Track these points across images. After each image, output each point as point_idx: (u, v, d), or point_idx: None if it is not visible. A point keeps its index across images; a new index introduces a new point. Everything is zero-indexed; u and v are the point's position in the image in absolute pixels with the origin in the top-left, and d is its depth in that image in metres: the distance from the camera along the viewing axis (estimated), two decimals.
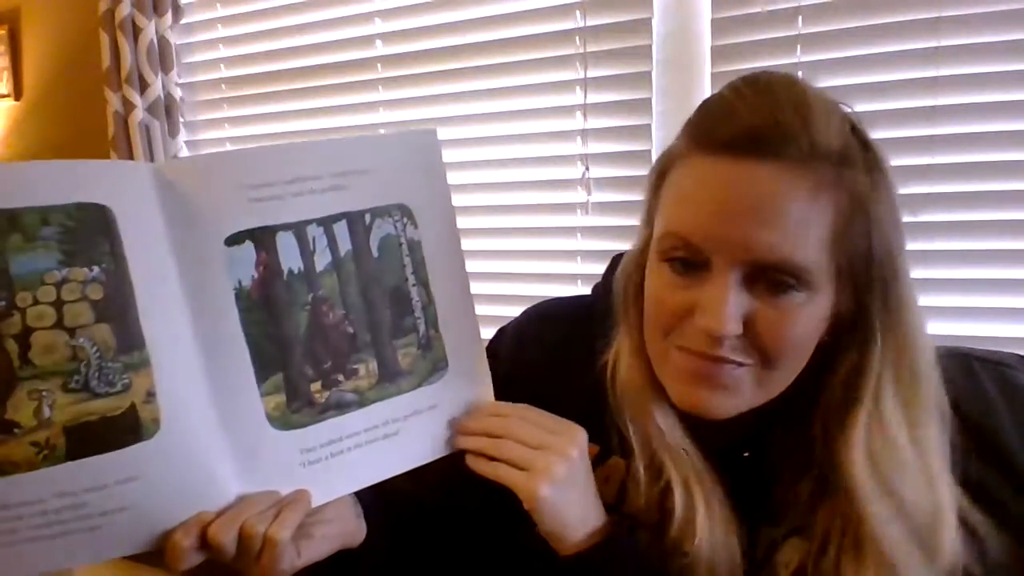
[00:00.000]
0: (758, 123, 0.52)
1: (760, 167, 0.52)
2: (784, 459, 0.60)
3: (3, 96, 2.16)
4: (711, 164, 0.54)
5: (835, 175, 0.53)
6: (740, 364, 0.55)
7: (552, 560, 0.60)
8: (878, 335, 0.56)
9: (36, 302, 0.49)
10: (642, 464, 0.61)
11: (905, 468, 0.55)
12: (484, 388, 0.64)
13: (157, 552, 0.52)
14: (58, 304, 0.49)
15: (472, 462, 0.59)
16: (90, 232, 0.50)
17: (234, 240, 0.55)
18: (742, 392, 0.56)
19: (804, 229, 0.52)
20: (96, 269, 0.50)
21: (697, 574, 0.58)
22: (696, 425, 0.60)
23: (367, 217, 0.60)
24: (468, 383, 0.63)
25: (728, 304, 0.53)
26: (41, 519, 0.49)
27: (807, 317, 0.54)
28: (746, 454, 0.62)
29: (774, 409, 0.58)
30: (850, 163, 0.53)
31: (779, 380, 0.57)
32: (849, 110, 0.57)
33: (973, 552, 0.56)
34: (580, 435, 0.59)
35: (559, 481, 0.56)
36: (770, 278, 0.53)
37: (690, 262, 0.55)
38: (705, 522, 0.58)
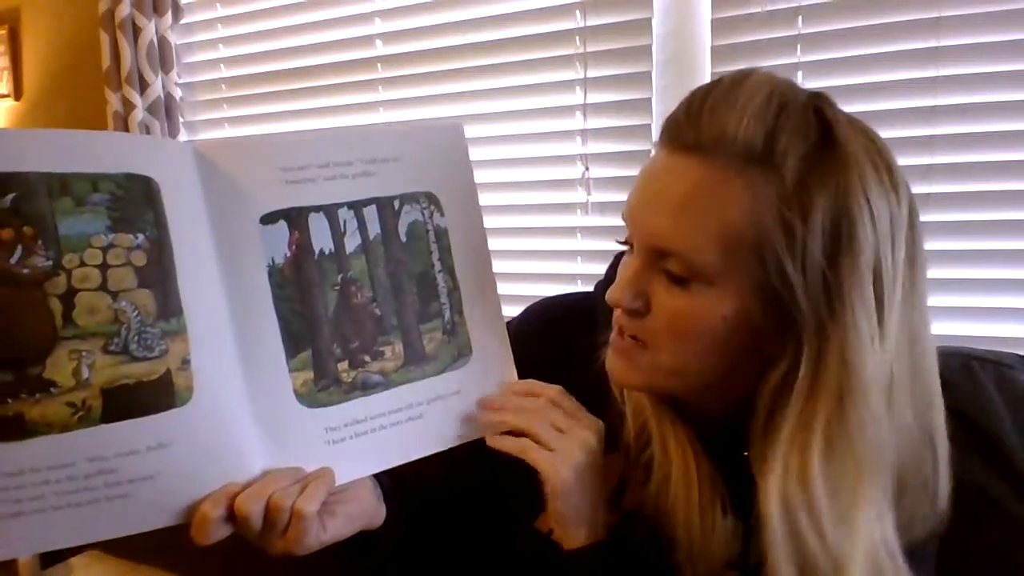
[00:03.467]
0: (684, 127, 0.53)
1: (676, 158, 0.53)
2: None
3: (3, 96, 2.16)
4: (653, 158, 0.56)
5: (748, 174, 0.50)
6: (636, 340, 0.57)
7: (552, 554, 0.60)
8: (803, 359, 0.51)
9: (83, 264, 0.50)
10: (632, 433, 0.62)
11: (818, 517, 0.51)
12: (508, 375, 0.65)
13: (172, 545, 0.52)
14: (103, 267, 0.50)
15: (494, 441, 0.60)
16: (137, 201, 0.52)
17: (269, 219, 0.57)
18: (638, 366, 0.58)
19: (697, 221, 0.52)
20: (141, 236, 0.51)
21: (682, 562, 0.59)
22: (692, 419, 0.61)
23: (396, 203, 0.61)
24: (492, 370, 0.65)
25: (626, 279, 0.56)
26: (70, 485, 0.49)
27: (698, 312, 0.54)
28: (745, 453, 0.63)
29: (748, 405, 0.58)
30: (775, 167, 0.50)
31: (681, 369, 0.56)
32: (831, 110, 0.53)
33: None
34: (600, 425, 0.61)
35: (581, 466, 0.58)
36: (663, 264, 0.54)
37: (631, 245, 0.58)
38: (682, 484, 0.59)
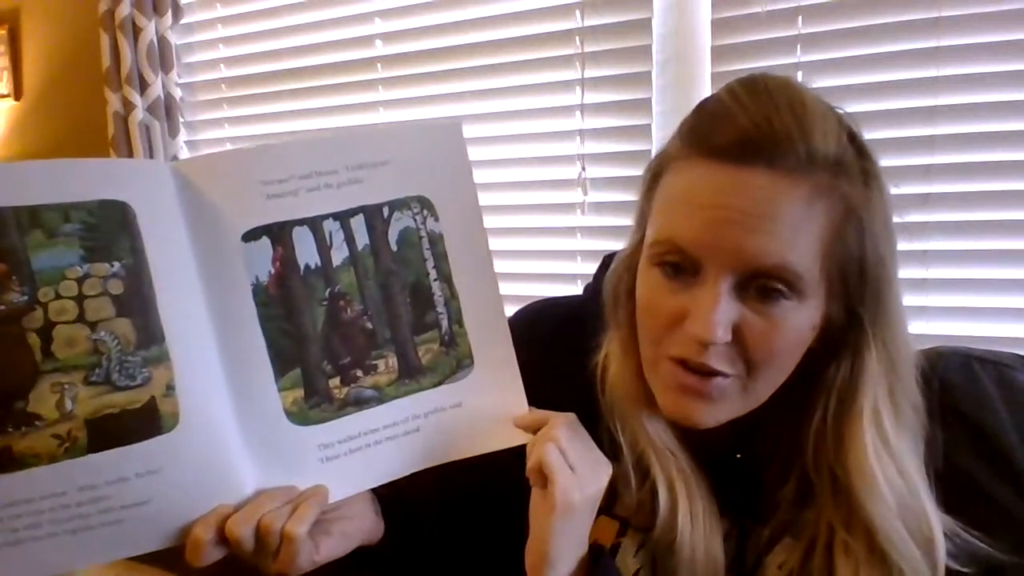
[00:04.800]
0: (753, 130, 0.51)
1: (755, 174, 0.51)
2: (771, 461, 0.60)
3: (3, 96, 2.16)
4: (705, 169, 0.53)
5: (830, 183, 0.52)
6: (725, 375, 0.55)
7: None
8: (872, 344, 0.56)
9: (58, 296, 0.49)
10: (630, 463, 0.61)
11: (904, 476, 0.56)
12: (513, 387, 0.62)
13: (174, 553, 0.52)
14: (80, 299, 0.50)
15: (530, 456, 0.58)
16: (111, 229, 0.51)
17: (251, 236, 0.56)
18: (727, 403, 0.56)
19: (797, 236, 0.52)
20: (117, 265, 0.51)
21: (678, 573, 0.58)
22: (685, 428, 0.60)
23: (385, 210, 0.59)
24: (495, 382, 0.62)
25: (717, 311, 0.52)
26: (63, 513, 0.49)
27: (796, 325, 0.54)
28: (739, 456, 0.62)
29: (764, 411, 0.58)
30: (846, 170, 0.53)
31: (763, 390, 0.57)
32: (844, 113, 0.56)
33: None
34: (611, 471, 0.59)
35: (589, 500, 0.56)
36: (761, 285, 0.53)
37: (681, 267, 0.55)
38: (687, 519, 0.58)
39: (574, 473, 0.55)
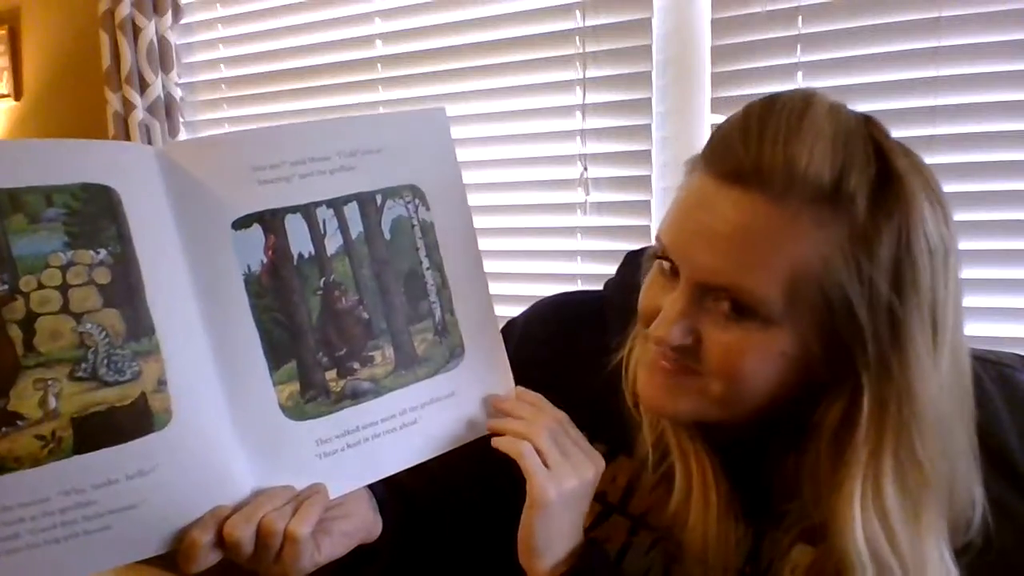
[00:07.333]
0: (744, 159, 0.51)
1: (734, 194, 0.51)
2: (781, 476, 0.60)
3: (3, 96, 2.16)
4: (702, 182, 0.54)
5: (818, 212, 0.50)
6: (688, 370, 0.54)
7: None
8: (866, 392, 0.52)
9: (41, 286, 0.46)
10: (652, 459, 0.60)
11: (898, 549, 0.52)
12: (502, 374, 0.62)
13: (166, 556, 0.50)
14: (64, 288, 0.46)
15: (498, 441, 0.58)
16: (96, 214, 0.48)
17: (242, 223, 0.53)
18: (688, 393, 0.56)
19: (759, 260, 0.50)
20: (103, 252, 0.48)
21: (688, 566, 0.58)
22: (709, 429, 0.60)
23: (378, 198, 0.58)
24: (486, 369, 0.61)
25: (674, 314, 0.53)
26: (46, 521, 0.46)
27: (756, 349, 0.52)
28: (760, 463, 0.62)
29: (771, 429, 0.58)
30: (845, 202, 0.50)
31: (733, 401, 0.55)
32: (883, 136, 0.53)
33: None
34: (601, 464, 0.59)
35: (568, 494, 0.56)
36: (717, 300, 0.52)
37: (672, 266, 0.55)
38: (701, 504, 0.58)
39: (551, 470, 0.56)
